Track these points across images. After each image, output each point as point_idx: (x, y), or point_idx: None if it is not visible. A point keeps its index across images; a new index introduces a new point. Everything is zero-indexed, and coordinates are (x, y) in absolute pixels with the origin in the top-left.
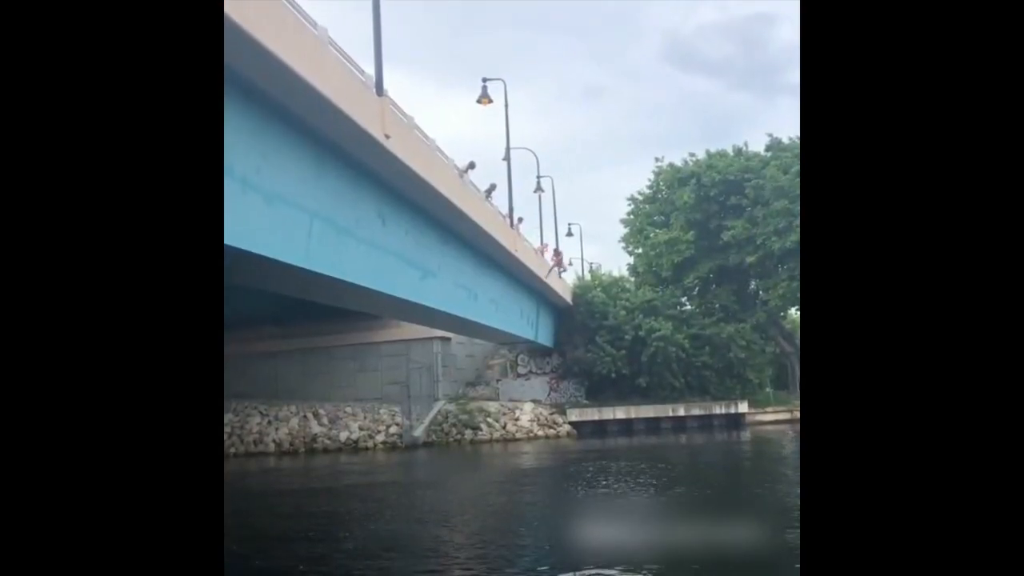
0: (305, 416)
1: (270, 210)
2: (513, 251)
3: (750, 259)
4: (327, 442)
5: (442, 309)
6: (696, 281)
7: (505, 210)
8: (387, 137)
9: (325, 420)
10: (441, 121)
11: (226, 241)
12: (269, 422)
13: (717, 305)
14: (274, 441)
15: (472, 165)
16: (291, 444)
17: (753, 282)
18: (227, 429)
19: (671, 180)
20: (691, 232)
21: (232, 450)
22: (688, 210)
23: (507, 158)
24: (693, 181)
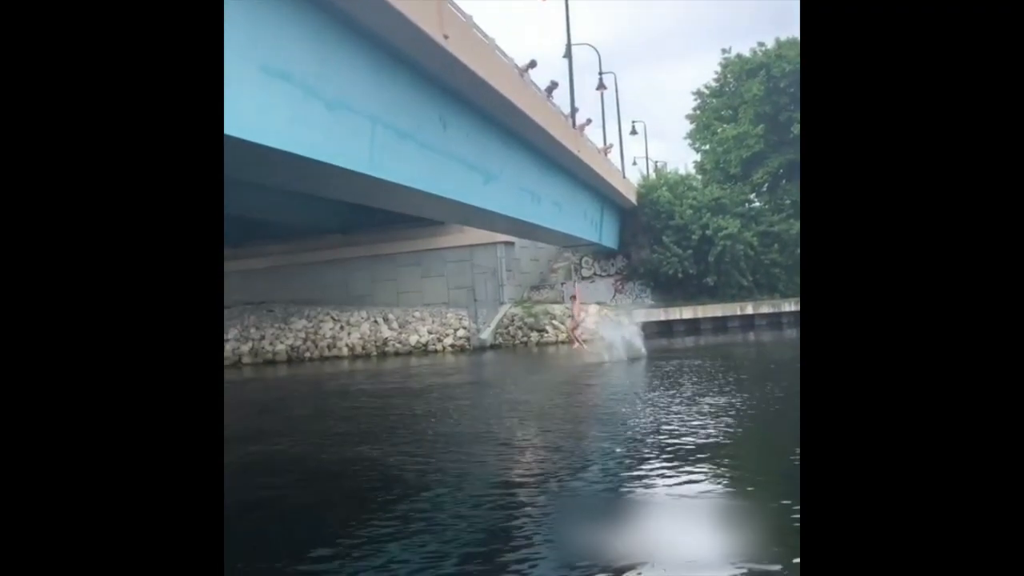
0: (376, 321)
1: (332, 117)
2: (576, 152)
3: None
4: (398, 346)
5: (505, 213)
6: (766, 177)
7: (567, 110)
8: (446, 37)
9: (395, 324)
10: (500, 19)
11: (292, 149)
12: (342, 327)
13: (787, 201)
14: (347, 345)
15: (533, 64)
16: (363, 348)
17: None
18: (301, 335)
19: (739, 72)
20: (760, 126)
21: (307, 355)
22: (757, 103)
23: (568, 55)
24: (762, 72)
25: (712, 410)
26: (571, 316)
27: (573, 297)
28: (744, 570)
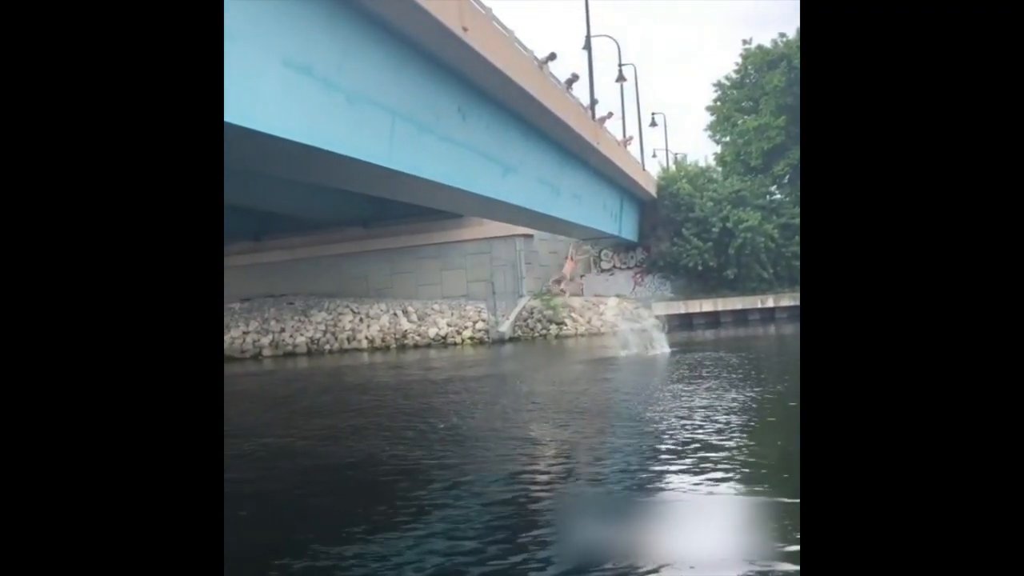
0: (395, 313)
1: (352, 110)
2: (595, 144)
3: None
4: (417, 338)
5: (524, 205)
6: (787, 169)
7: (586, 102)
8: (465, 30)
9: (414, 317)
10: (519, 11)
11: (312, 143)
12: (361, 319)
13: None
14: (366, 338)
15: (552, 56)
16: (383, 340)
17: None
18: (321, 327)
19: (760, 63)
20: (782, 117)
21: (327, 347)
22: (778, 94)
23: (587, 47)
24: (783, 63)
25: (737, 407)
26: (561, 276)
27: (568, 257)
28: (754, 570)
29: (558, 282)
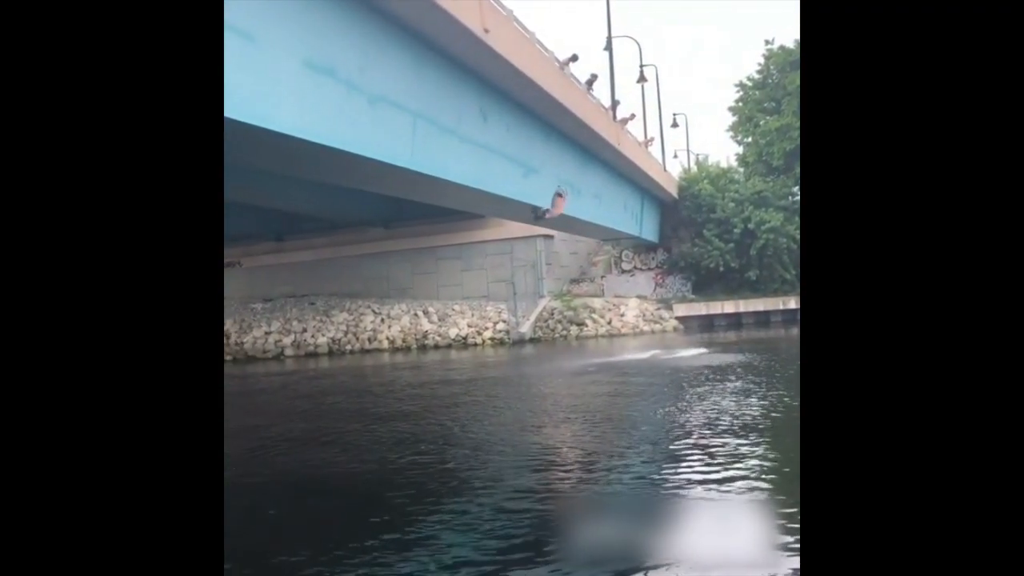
0: (416, 314)
1: (374, 111)
2: (616, 145)
3: None
4: (437, 339)
5: (545, 207)
6: None
7: (607, 102)
8: (486, 31)
9: (435, 317)
10: (540, 12)
11: (334, 144)
12: (382, 320)
13: None
14: (387, 338)
15: (574, 58)
16: (403, 341)
17: None
18: (342, 327)
19: (783, 63)
20: None
21: (348, 347)
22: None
23: (608, 47)
24: None
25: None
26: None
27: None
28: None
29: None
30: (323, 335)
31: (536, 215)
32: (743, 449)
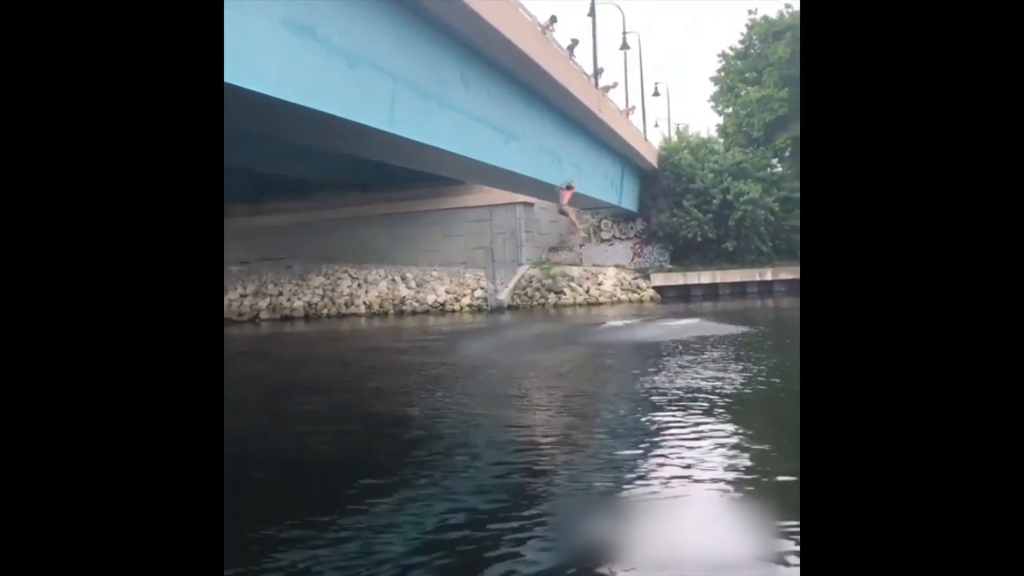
0: (393, 280)
1: (354, 73)
2: (598, 112)
3: None
4: (415, 304)
5: (525, 173)
6: (788, 141)
7: (590, 70)
8: None
9: (412, 283)
10: None
11: (312, 105)
12: (359, 285)
13: None
14: (364, 303)
15: (553, 19)
16: (380, 306)
17: None
18: (319, 292)
19: (765, 34)
20: (785, 89)
21: (325, 311)
22: (783, 65)
23: (592, 13)
24: (788, 34)
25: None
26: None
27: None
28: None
29: (571, 235)
30: (299, 299)
31: (560, 210)
32: None
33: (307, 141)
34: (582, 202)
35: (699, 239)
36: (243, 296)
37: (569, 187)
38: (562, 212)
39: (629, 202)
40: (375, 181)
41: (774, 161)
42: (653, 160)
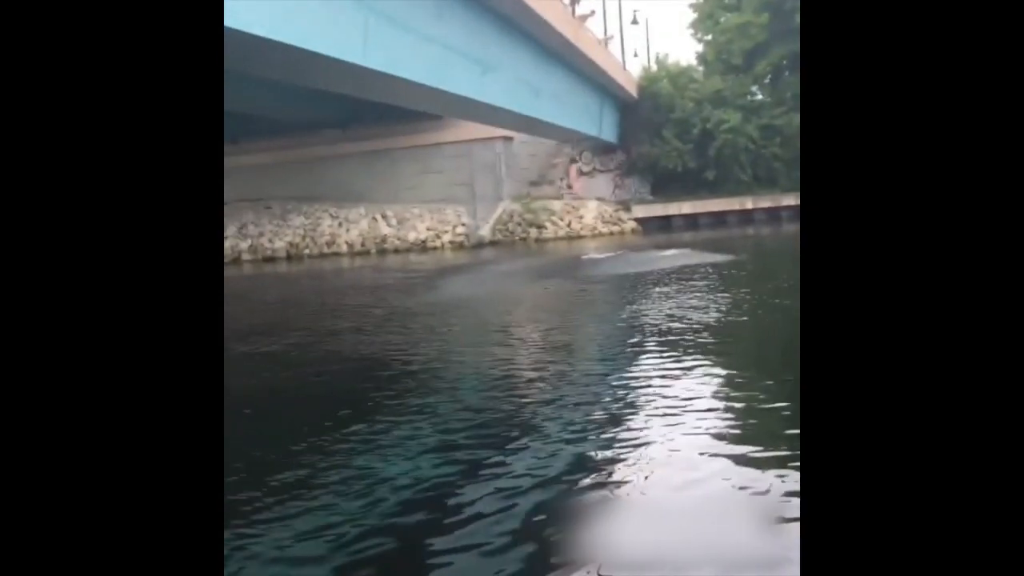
0: (374, 218)
1: (325, 5)
2: (575, 41)
3: None
4: (397, 242)
5: (503, 106)
6: (768, 68)
7: None
8: None
9: (393, 221)
10: None
11: (283, 39)
12: (340, 224)
13: (789, 94)
14: (346, 242)
15: None
16: (362, 245)
17: None
18: (300, 232)
19: None
20: (764, 15)
21: (306, 251)
22: None
23: None
24: None
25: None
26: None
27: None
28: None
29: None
30: (280, 240)
31: (568, 184)
32: None
33: (281, 78)
34: (563, 134)
35: (679, 169)
36: (224, 238)
37: (574, 161)
38: (569, 187)
39: (609, 134)
40: (353, 119)
41: (754, 88)
42: (633, 90)
